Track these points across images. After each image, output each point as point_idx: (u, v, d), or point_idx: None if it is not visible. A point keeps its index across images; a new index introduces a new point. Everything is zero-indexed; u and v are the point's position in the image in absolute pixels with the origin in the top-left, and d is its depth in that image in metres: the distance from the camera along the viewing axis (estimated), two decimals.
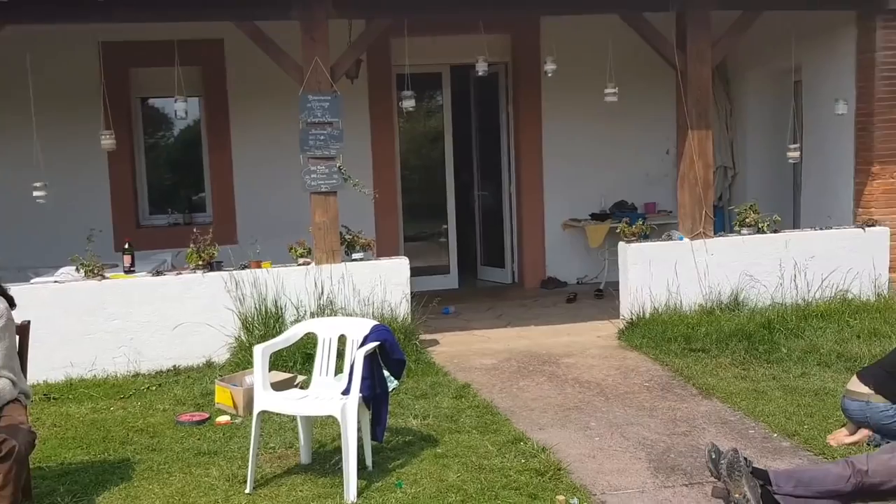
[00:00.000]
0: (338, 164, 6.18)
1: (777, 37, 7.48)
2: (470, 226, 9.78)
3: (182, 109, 6.66)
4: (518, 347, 6.43)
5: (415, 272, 8.36)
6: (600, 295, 8.17)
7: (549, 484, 3.90)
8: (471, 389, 5.37)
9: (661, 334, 6.19)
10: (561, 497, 3.74)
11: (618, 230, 6.95)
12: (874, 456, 3.74)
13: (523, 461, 4.15)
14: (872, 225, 6.86)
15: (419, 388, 5.39)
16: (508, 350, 6.36)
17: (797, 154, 7.19)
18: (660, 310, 6.52)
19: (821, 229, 6.93)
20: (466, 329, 7.12)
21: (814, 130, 7.64)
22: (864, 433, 4.23)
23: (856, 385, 4.26)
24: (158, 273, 6.23)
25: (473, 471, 4.06)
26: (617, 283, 6.85)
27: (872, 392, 4.17)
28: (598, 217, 8.61)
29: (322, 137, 6.13)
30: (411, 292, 6.44)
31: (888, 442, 4.05)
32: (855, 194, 7.12)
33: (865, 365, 4.82)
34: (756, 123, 8.65)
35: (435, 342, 6.63)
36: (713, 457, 3.71)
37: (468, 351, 6.39)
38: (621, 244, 6.76)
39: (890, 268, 6.85)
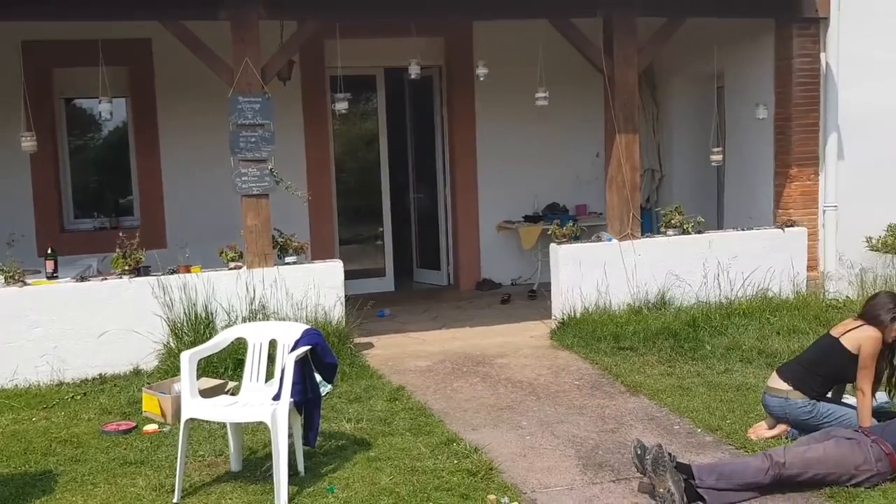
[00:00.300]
0: (269, 167, 6.12)
1: (700, 43, 7.72)
2: (406, 228, 9.79)
3: (107, 111, 6.49)
4: (453, 349, 6.48)
5: (350, 275, 8.33)
6: (534, 296, 8.28)
7: (480, 484, 3.94)
8: (405, 392, 5.39)
9: (592, 333, 6.32)
10: (492, 496, 3.79)
11: (549, 232, 7.07)
12: (791, 448, 3.92)
13: (456, 462, 4.19)
14: (791, 225, 7.13)
15: (353, 392, 5.38)
16: (443, 352, 6.40)
17: (720, 157, 7.44)
18: (590, 309, 6.66)
19: (742, 230, 7.17)
20: (402, 331, 7.14)
21: (736, 134, 7.92)
22: (782, 427, 4.41)
23: (776, 382, 4.43)
24: (83, 279, 6.05)
25: (406, 473, 4.07)
26: (550, 283, 6.96)
27: (791, 389, 4.34)
28: (531, 219, 8.73)
29: (253, 139, 6.06)
30: (346, 295, 6.41)
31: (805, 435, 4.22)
32: (774, 196, 7.40)
33: (785, 361, 5.00)
34: (681, 127, 8.92)
35: (370, 345, 6.62)
36: (639, 453, 3.82)
37: (403, 353, 6.40)
38: (552, 246, 6.88)
39: (808, 266, 7.15)
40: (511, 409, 5.05)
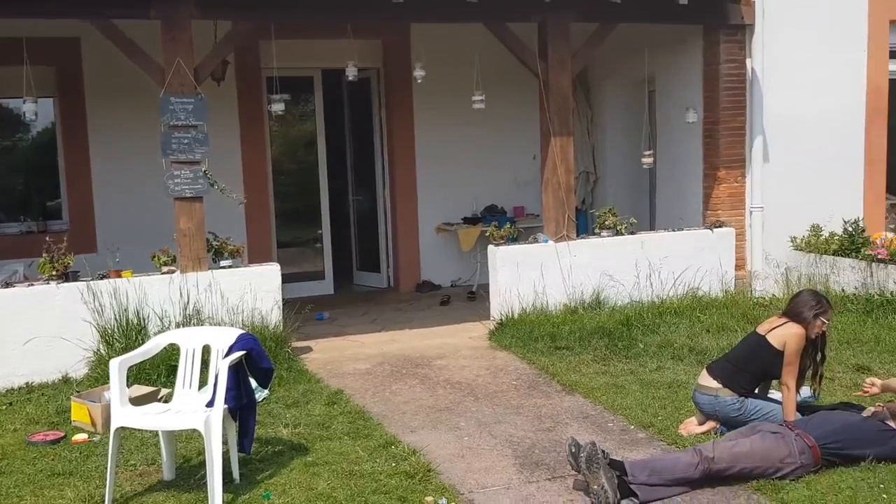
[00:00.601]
0: (203, 169, 6.02)
1: (632, 48, 7.90)
2: (345, 231, 9.75)
3: (31, 111, 6.27)
4: (392, 351, 6.48)
5: (289, 278, 8.26)
6: (473, 297, 8.34)
7: (418, 486, 3.95)
8: (343, 395, 5.36)
9: (529, 334, 6.40)
10: (429, 498, 3.80)
11: (488, 234, 7.14)
12: (719, 443, 4.03)
13: (394, 465, 4.19)
14: (719, 226, 7.35)
15: (290, 397, 5.33)
16: (382, 354, 6.39)
17: (651, 160, 7.63)
18: (527, 310, 6.74)
19: (673, 231, 7.36)
20: (341, 335, 7.10)
21: (666, 137, 8.12)
22: (712, 424, 4.52)
23: (705, 380, 4.55)
24: (8, 284, 5.85)
25: (344, 477, 4.06)
26: (489, 284, 7.02)
27: (720, 386, 4.46)
28: (469, 221, 8.79)
29: (186, 141, 5.96)
30: (284, 299, 6.35)
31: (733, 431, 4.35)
32: (704, 197, 7.61)
33: (714, 358, 5.15)
34: (615, 130, 9.10)
35: (308, 349, 6.57)
36: (573, 451, 3.89)
37: (342, 357, 6.37)
38: (490, 247, 6.95)
39: (735, 266, 7.37)
40: (449, 411, 5.08)
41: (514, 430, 4.72)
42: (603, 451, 3.82)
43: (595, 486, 3.73)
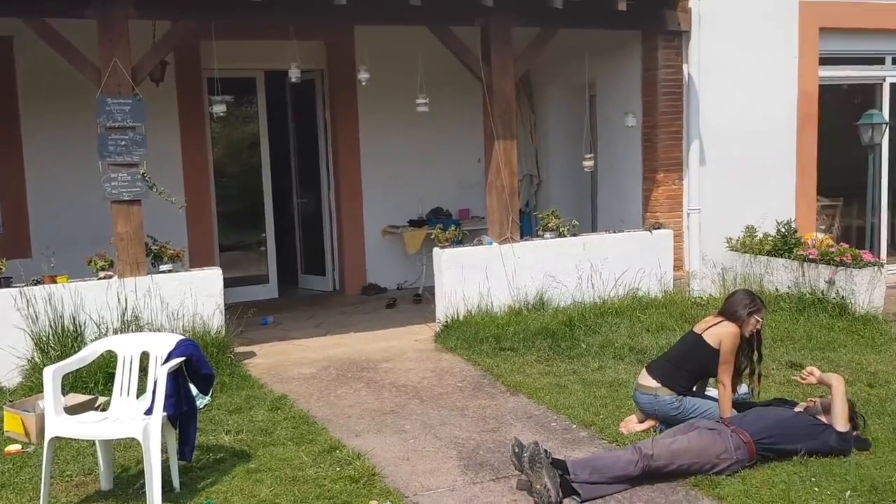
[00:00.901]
0: (141, 171, 5.90)
1: (574, 53, 8.02)
2: (290, 234, 9.66)
3: None
4: (337, 355, 6.44)
5: (232, 283, 8.14)
6: (419, 299, 8.35)
7: (363, 490, 3.94)
8: (287, 400, 5.31)
9: (474, 335, 6.44)
10: (374, 502, 3.80)
11: (433, 236, 7.16)
12: (658, 441, 4.12)
13: (338, 469, 4.17)
14: (658, 228, 7.51)
15: (233, 403, 5.26)
16: (327, 358, 6.35)
17: (591, 163, 7.76)
18: (473, 312, 6.79)
19: (614, 232, 7.49)
20: (285, 339, 7.04)
21: (607, 141, 8.27)
22: (651, 422, 4.62)
23: (645, 379, 4.65)
24: None
25: (287, 483, 4.03)
26: (434, 287, 7.04)
27: (659, 385, 4.56)
28: (415, 223, 8.80)
29: (123, 143, 5.83)
30: (228, 304, 6.27)
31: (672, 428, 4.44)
32: (643, 200, 7.77)
33: (654, 357, 5.26)
34: (557, 134, 9.22)
35: (252, 354, 6.49)
36: (516, 451, 3.93)
37: (286, 361, 6.31)
38: (436, 250, 6.97)
39: (674, 266, 7.54)
40: (395, 414, 5.08)
41: (459, 431, 4.75)
42: (545, 451, 3.87)
43: (538, 486, 3.77)
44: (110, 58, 5.73)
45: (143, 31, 6.78)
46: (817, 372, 4.50)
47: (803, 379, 4.52)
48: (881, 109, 8.48)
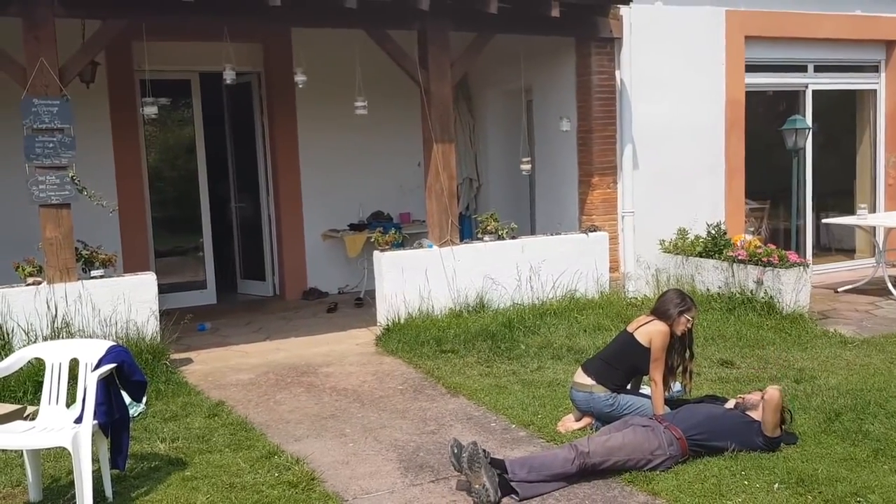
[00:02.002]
0: (70, 174, 5.74)
1: (511, 59, 8.12)
2: (228, 239, 9.52)
3: None
4: (277, 360, 6.38)
5: (168, 288, 7.99)
6: (360, 303, 8.33)
7: (301, 495, 3.91)
8: (225, 407, 5.24)
9: (415, 338, 6.45)
10: None
11: (373, 240, 7.15)
12: (593, 438, 4.18)
13: (276, 475, 4.13)
14: (594, 230, 7.64)
15: (169, 410, 5.16)
16: (267, 363, 6.28)
17: (529, 167, 7.86)
18: (414, 315, 6.80)
19: (552, 235, 7.60)
20: (223, 345, 6.93)
21: (544, 145, 8.39)
22: (588, 420, 4.70)
23: (581, 377, 4.73)
24: None
25: (224, 490, 3.97)
26: (375, 291, 7.03)
27: (594, 383, 4.64)
28: (356, 227, 8.77)
29: (51, 145, 5.67)
30: (164, 310, 6.15)
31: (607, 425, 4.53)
32: (579, 203, 7.90)
33: (589, 357, 5.35)
34: (496, 138, 9.33)
35: (189, 360, 6.38)
36: (455, 451, 3.96)
37: (224, 367, 6.22)
38: (376, 253, 6.96)
39: (610, 268, 7.68)
40: (335, 418, 5.05)
41: (399, 434, 4.75)
42: (484, 451, 3.90)
43: (476, 486, 3.80)
44: (36, 57, 5.57)
45: (73, 31, 6.61)
46: (757, 395, 4.46)
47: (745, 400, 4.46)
48: (804, 115, 8.83)
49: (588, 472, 4.03)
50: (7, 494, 4.00)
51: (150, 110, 6.69)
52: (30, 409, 4.83)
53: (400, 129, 8.97)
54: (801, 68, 8.98)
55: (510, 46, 7.83)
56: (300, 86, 7.40)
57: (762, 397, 4.34)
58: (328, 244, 8.96)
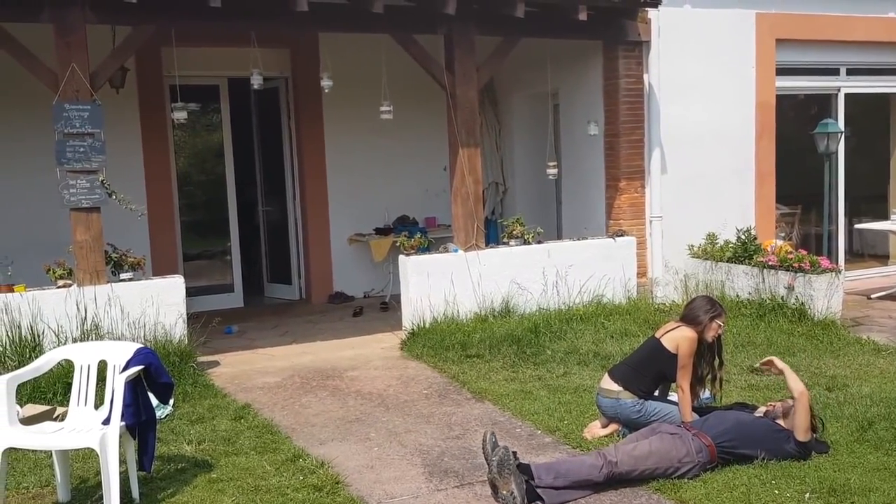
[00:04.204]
0: (100, 178, 5.81)
1: (537, 63, 8.09)
2: (255, 242, 9.59)
3: None
4: (302, 363, 6.40)
5: (196, 291, 8.05)
6: (385, 307, 8.33)
7: (326, 499, 3.91)
8: (251, 409, 5.26)
9: (440, 342, 6.43)
10: None
11: (398, 244, 7.15)
12: (619, 447, 4.12)
13: (301, 478, 4.14)
14: (621, 235, 7.58)
15: (195, 412, 5.19)
16: (292, 367, 6.30)
17: (555, 171, 7.82)
18: (439, 319, 6.78)
19: (578, 240, 7.54)
20: (250, 348, 6.97)
21: (570, 149, 8.34)
22: (614, 426, 4.65)
23: (607, 383, 4.68)
24: None
25: (249, 493, 3.98)
26: (401, 295, 7.02)
27: (622, 389, 4.59)
28: (381, 231, 8.78)
29: (82, 149, 5.75)
30: (192, 313, 6.20)
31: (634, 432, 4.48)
32: (606, 207, 7.84)
33: (616, 362, 5.30)
34: (521, 142, 9.29)
35: (215, 363, 6.42)
36: (488, 447, 3.88)
37: (251, 370, 6.25)
38: (401, 257, 6.96)
39: (637, 273, 7.61)
40: (360, 422, 5.05)
41: (424, 438, 4.73)
42: (514, 453, 3.87)
43: (504, 492, 3.78)
44: (68, 63, 5.65)
45: (103, 37, 6.70)
46: (777, 361, 4.45)
47: (765, 367, 4.50)
48: (836, 119, 8.68)
49: (616, 481, 3.98)
50: (36, 494, 4.05)
51: (180, 115, 6.76)
52: (59, 410, 4.90)
53: (425, 134, 8.98)
54: (833, 71, 8.84)
55: (536, 50, 7.80)
56: (327, 90, 7.43)
57: (792, 403, 4.27)
58: (354, 248, 8.98)
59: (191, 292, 6.19)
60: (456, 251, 6.99)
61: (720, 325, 4.63)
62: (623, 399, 4.58)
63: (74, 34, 5.67)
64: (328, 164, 8.85)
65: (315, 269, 8.95)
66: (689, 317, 4.65)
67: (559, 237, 8.26)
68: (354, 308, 8.41)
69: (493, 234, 8.79)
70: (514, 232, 7.21)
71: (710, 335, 4.60)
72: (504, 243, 7.34)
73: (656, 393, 4.75)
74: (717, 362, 4.69)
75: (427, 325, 6.74)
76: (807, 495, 3.78)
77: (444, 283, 6.82)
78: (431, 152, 9.03)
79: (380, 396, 5.53)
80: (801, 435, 4.19)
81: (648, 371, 4.63)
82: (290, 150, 9.02)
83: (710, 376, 4.69)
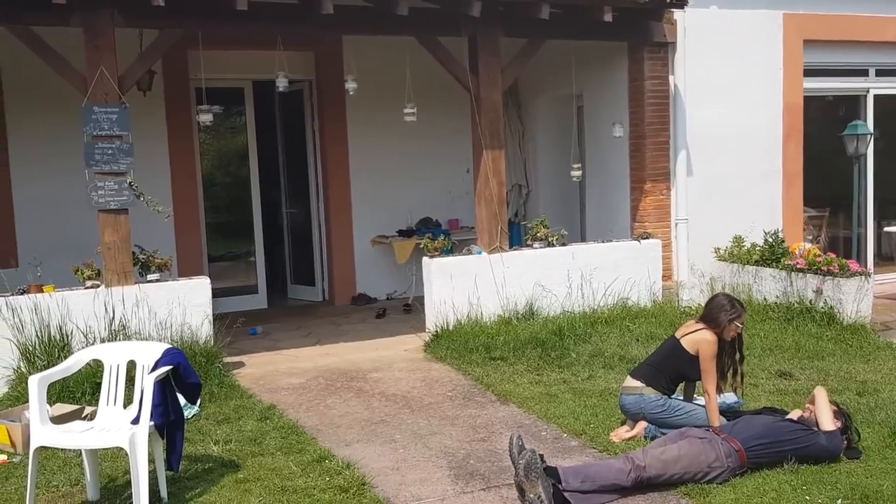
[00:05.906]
0: (128, 180, 5.87)
1: (561, 65, 8.06)
2: (279, 244, 9.63)
3: None
4: (327, 365, 6.41)
5: (221, 293, 8.10)
6: (409, 309, 8.33)
7: (352, 500, 3.92)
8: (276, 410, 5.28)
9: (464, 345, 6.42)
10: None
11: (422, 246, 7.15)
12: (648, 451, 4.08)
13: (327, 479, 4.14)
14: (647, 237, 7.52)
15: (222, 413, 5.22)
16: (317, 368, 6.32)
17: (579, 173, 7.78)
18: (462, 321, 6.77)
19: (603, 242, 7.50)
20: (274, 349, 7.00)
21: (595, 152, 8.30)
22: (641, 427, 4.62)
23: (630, 382, 4.68)
24: None
25: (276, 493, 3.99)
26: (424, 297, 7.02)
27: (644, 385, 4.59)
28: (404, 233, 8.79)
29: (110, 151, 5.80)
30: (217, 314, 6.23)
31: (663, 434, 4.44)
32: (631, 210, 7.79)
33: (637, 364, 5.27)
34: (546, 145, 9.25)
35: (241, 364, 6.45)
36: (515, 450, 3.86)
37: (275, 371, 6.28)
38: (425, 259, 6.96)
39: (663, 276, 7.55)
40: (385, 423, 5.05)
41: (449, 441, 4.72)
42: (541, 456, 3.84)
43: (531, 495, 3.75)
44: (97, 66, 5.71)
45: (130, 40, 6.77)
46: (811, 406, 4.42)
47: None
48: (865, 120, 8.57)
49: (643, 486, 3.94)
50: (66, 493, 4.09)
51: (206, 118, 6.81)
52: (88, 409, 4.95)
53: (449, 136, 8.97)
54: (862, 72, 8.72)
55: (561, 52, 7.77)
56: (351, 93, 7.46)
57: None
58: (377, 250, 8.99)
59: (215, 293, 6.22)
60: (480, 253, 6.97)
61: (739, 326, 4.60)
62: (646, 394, 4.57)
63: (103, 37, 5.73)
64: (351, 167, 8.87)
65: (338, 270, 8.98)
66: (708, 317, 4.62)
67: (583, 239, 8.22)
68: (377, 310, 8.42)
69: (517, 237, 8.77)
70: (538, 234, 7.18)
71: (729, 335, 4.59)
72: (528, 245, 7.31)
73: (678, 393, 4.71)
74: (737, 356, 4.66)
75: (450, 328, 6.73)
76: (839, 501, 3.72)
77: (467, 285, 6.81)
78: (454, 154, 9.02)
79: (404, 398, 5.53)
80: (828, 424, 4.15)
81: (666, 369, 4.64)
82: (313, 152, 9.06)
83: (731, 371, 4.66)
